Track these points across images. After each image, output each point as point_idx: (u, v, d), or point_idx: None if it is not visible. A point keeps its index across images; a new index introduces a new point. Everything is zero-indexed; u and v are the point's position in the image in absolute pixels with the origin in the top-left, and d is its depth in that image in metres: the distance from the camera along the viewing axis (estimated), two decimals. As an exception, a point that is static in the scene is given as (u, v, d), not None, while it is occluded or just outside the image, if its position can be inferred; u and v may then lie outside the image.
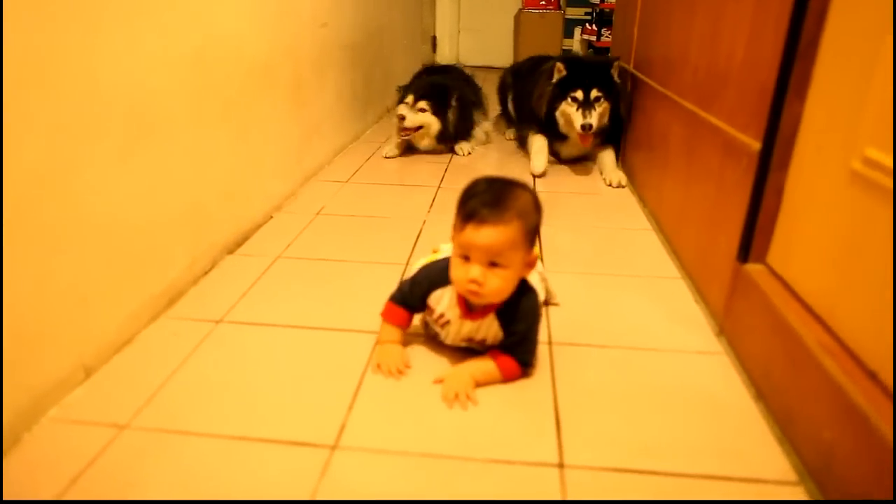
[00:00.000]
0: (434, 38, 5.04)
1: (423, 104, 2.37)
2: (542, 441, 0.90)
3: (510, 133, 2.71)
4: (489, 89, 2.91)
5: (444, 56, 5.15)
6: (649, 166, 1.90)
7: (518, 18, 4.83)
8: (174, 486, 0.81)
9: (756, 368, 1.03)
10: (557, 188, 2.07)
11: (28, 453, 0.87)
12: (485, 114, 2.69)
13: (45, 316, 0.94)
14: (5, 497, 0.79)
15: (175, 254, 1.28)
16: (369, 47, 2.77)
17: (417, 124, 2.37)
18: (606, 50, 3.27)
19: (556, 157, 2.33)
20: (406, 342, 1.13)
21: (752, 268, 1.09)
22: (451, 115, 2.41)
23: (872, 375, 0.78)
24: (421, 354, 1.11)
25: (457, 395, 0.97)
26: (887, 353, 0.75)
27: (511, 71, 2.83)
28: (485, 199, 0.94)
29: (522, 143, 2.46)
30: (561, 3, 4.75)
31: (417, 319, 1.15)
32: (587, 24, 4.44)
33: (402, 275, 1.38)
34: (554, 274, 1.31)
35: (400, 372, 1.05)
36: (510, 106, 2.73)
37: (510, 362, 1.02)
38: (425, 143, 2.43)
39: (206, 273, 1.39)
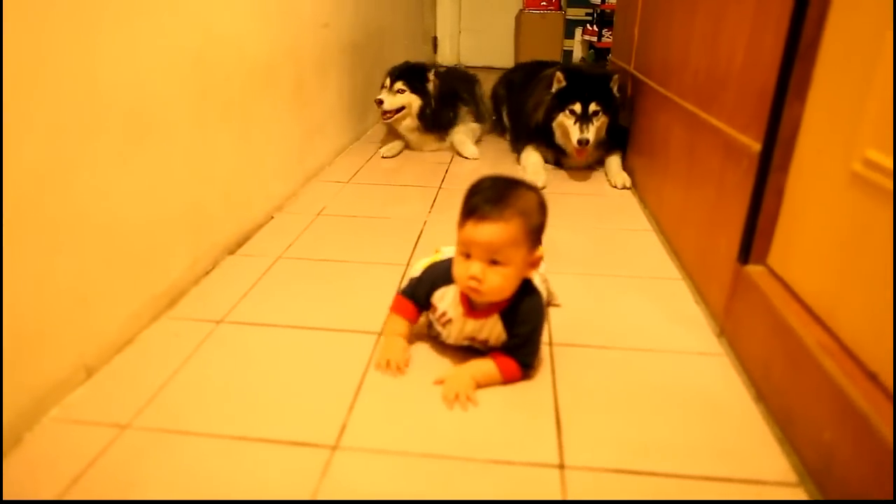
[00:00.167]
0: (435, 38, 5.04)
1: (399, 85, 2.36)
2: (543, 442, 0.90)
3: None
4: (487, 90, 2.91)
5: (445, 56, 5.15)
6: (650, 167, 1.90)
7: (519, 19, 4.84)
8: (175, 486, 0.81)
9: (756, 369, 1.04)
10: (558, 189, 2.07)
11: (29, 453, 0.87)
12: (475, 114, 2.63)
13: (46, 316, 0.94)
14: (6, 497, 0.80)
15: (176, 254, 1.28)
16: (370, 48, 2.78)
17: (398, 106, 2.36)
18: (607, 51, 3.27)
19: (559, 166, 2.29)
20: (409, 341, 1.13)
21: (753, 269, 1.09)
22: (431, 89, 2.40)
23: (873, 376, 0.78)
24: (422, 355, 1.11)
25: (457, 396, 0.98)
26: (887, 355, 0.75)
27: (504, 82, 2.81)
28: (487, 196, 0.95)
29: (514, 148, 2.42)
30: (562, 3, 4.75)
31: (423, 317, 1.15)
32: (588, 25, 4.43)
33: (403, 276, 1.38)
34: (555, 275, 1.31)
35: (399, 370, 1.05)
36: (505, 119, 2.71)
37: (511, 364, 1.02)
38: (408, 122, 2.41)
39: (207, 273, 1.39)
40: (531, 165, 2.20)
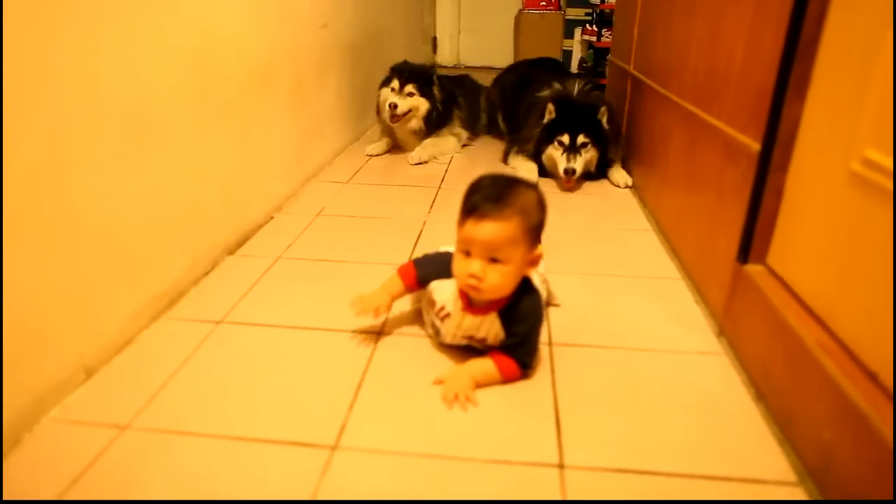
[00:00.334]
0: (434, 38, 5.04)
1: (410, 87, 2.34)
2: (542, 441, 0.90)
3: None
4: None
5: (445, 57, 5.15)
6: (649, 167, 1.90)
7: (518, 19, 4.83)
8: (175, 487, 0.81)
9: (756, 369, 1.04)
10: (557, 189, 2.07)
11: (29, 453, 0.87)
12: (465, 121, 2.60)
13: (46, 316, 0.94)
14: (6, 497, 0.80)
15: (175, 254, 1.28)
16: (369, 48, 2.78)
17: (407, 108, 2.35)
18: (606, 51, 3.26)
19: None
20: (408, 340, 1.14)
21: (752, 268, 1.09)
22: (437, 93, 2.40)
23: (872, 376, 0.78)
24: (421, 355, 1.11)
25: (456, 396, 0.98)
26: (887, 354, 0.75)
27: (496, 87, 2.79)
28: (486, 195, 0.96)
29: (505, 159, 2.36)
30: (561, 3, 4.75)
31: (411, 301, 1.16)
32: (587, 25, 4.43)
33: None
34: (554, 274, 1.31)
35: (377, 312, 1.10)
36: (501, 124, 2.70)
37: (510, 364, 1.02)
38: (412, 124, 2.39)
39: (206, 274, 1.39)
40: (525, 170, 2.17)
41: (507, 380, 1.03)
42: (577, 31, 4.65)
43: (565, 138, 2.05)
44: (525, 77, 2.66)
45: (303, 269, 1.45)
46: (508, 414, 0.97)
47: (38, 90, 0.89)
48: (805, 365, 0.87)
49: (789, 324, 0.92)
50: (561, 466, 0.86)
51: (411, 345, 1.14)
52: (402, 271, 1.15)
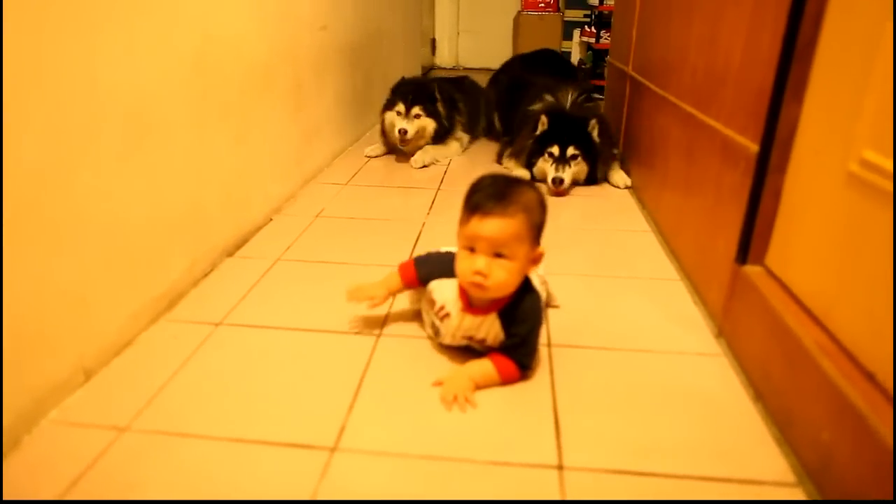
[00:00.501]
0: (433, 40, 5.05)
1: (416, 110, 2.33)
2: (541, 443, 0.90)
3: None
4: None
5: (444, 58, 5.15)
6: (648, 168, 1.91)
7: (517, 20, 4.84)
8: (174, 489, 0.81)
9: (755, 370, 1.04)
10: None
11: (28, 455, 0.87)
12: (466, 126, 2.58)
13: (45, 318, 0.94)
14: (5, 499, 0.80)
15: (175, 256, 1.28)
16: (369, 50, 2.78)
17: (416, 130, 2.34)
18: (605, 52, 3.27)
19: None
20: (407, 342, 1.14)
21: (751, 269, 1.09)
22: (441, 109, 2.39)
23: (870, 377, 0.78)
24: (420, 356, 1.11)
25: (455, 397, 0.98)
26: (885, 355, 0.75)
27: (493, 87, 2.78)
28: (490, 193, 0.97)
29: (499, 160, 2.38)
30: (560, 5, 4.76)
31: (410, 301, 1.16)
32: (586, 27, 4.43)
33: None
34: (553, 276, 1.31)
35: (371, 299, 1.13)
36: (497, 124, 2.70)
37: (509, 365, 1.02)
38: (420, 144, 2.38)
39: (205, 275, 1.39)
40: (518, 173, 2.16)
41: (506, 381, 1.03)
42: (576, 33, 4.65)
43: (555, 150, 2.05)
44: (521, 79, 2.66)
45: (302, 270, 1.45)
46: (507, 415, 0.97)
47: (37, 90, 0.89)
48: (804, 366, 0.87)
49: (788, 324, 0.93)
50: (560, 468, 0.86)
51: (410, 346, 1.14)
52: (402, 268, 1.15)
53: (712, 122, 1.31)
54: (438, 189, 2.06)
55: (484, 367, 1.02)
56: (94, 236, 1.03)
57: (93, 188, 1.02)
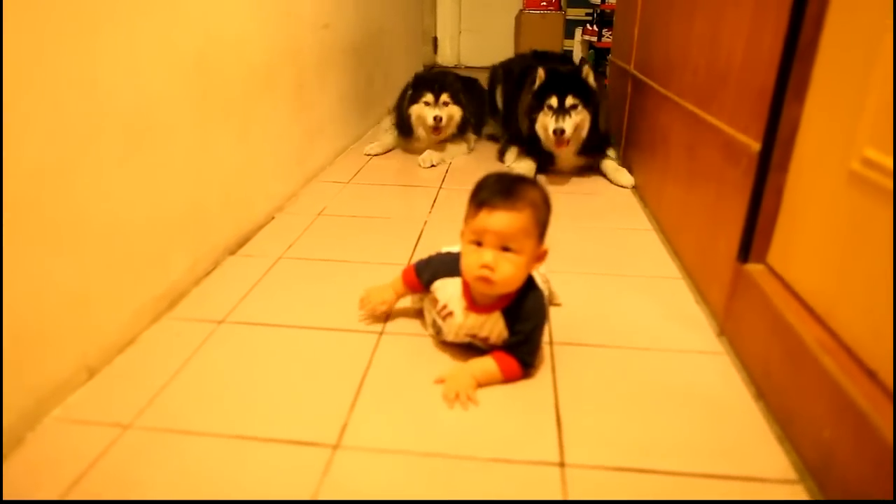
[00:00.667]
0: (435, 39, 5.04)
1: (445, 97, 2.33)
2: (543, 440, 0.91)
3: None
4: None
5: (446, 57, 5.15)
6: (650, 167, 1.90)
7: (519, 19, 4.84)
8: (177, 486, 0.82)
9: (756, 368, 1.04)
10: (558, 189, 2.07)
11: (31, 453, 0.87)
12: (473, 125, 2.57)
13: (48, 317, 0.94)
14: (9, 497, 0.80)
15: (177, 254, 1.28)
16: (371, 48, 2.78)
17: (448, 117, 2.33)
18: (607, 51, 3.26)
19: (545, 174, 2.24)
20: (410, 339, 1.14)
21: (753, 268, 1.09)
22: (464, 99, 2.40)
23: (872, 374, 0.78)
24: (422, 354, 1.11)
25: (457, 395, 0.98)
26: (886, 353, 0.75)
27: (500, 80, 2.76)
28: (497, 189, 0.98)
29: (501, 157, 2.37)
30: (562, 3, 4.76)
31: (412, 300, 1.17)
32: (588, 25, 4.44)
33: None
34: (555, 274, 1.31)
35: (375, 309, 1.18)
36: (496, 126, 2.68)
37: (512, 363, 1.02)
38: (447, 132, 2.38)
39: (207, 274, 1.40)
40: (522, 167, 2.17)
41: (508, 379, 1.03)
42: (578, 32, 4.66)
43: (553, 101, 2.04)
44: (522, 71, 2.64)
45: (304, 268, 1.45)
46: (509, 413, 0.97)
47: (38, 91, 0.89)
48: (805, 364, 0.87)
49: (789, 323, 0.93)
50: (562, 465, 0.86)
51: (413, 344, 1.14)
52: (404, 274, 1.17)
53: (714, 121, 1.31)
54: (440, 188, 2.06)
55: (486, 364, 1.02)
56: (97, 235, 1.04)
57: (94, 187, 1.02)
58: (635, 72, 2.17)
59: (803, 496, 0.82)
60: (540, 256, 1.02)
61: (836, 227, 0.89)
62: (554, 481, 0.83)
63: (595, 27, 4.25)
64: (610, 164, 2.18)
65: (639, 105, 2.10)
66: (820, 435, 0.82)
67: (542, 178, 2.13)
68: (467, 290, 1.04)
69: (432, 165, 2.30)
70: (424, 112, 2.33)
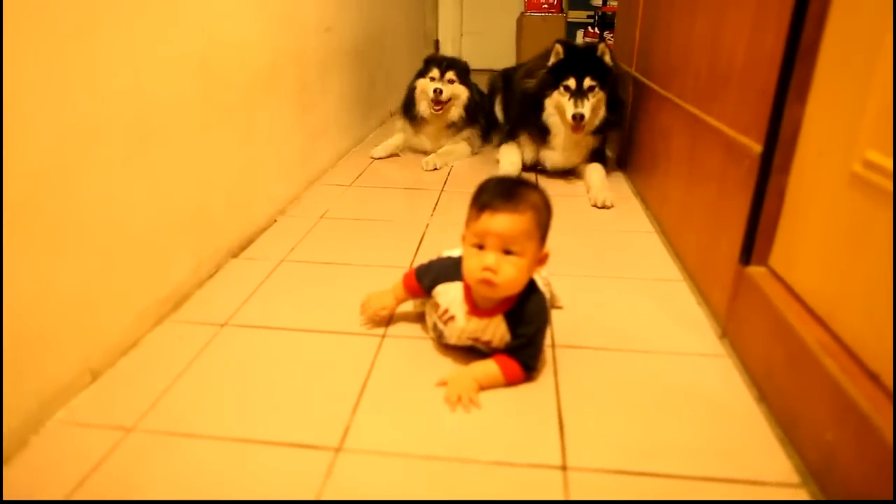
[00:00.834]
0: (437, 41, 5.05)
1: (451, 74, 2.34)
2: (545, 443, 0.91)
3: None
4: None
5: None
6: (651, 169, 1.90)
7: (520, 22, 4.84)
8: (180, 489, 0.82)
9: (758, 370, 1.04)
10: (558, 191, 2.07)
11: (35, 456, 0.88)
12: (482, 127, 2.56)
13: (51, 320, 0.95)
14: (9, 499, 0.80)
15: (180, 257, 1.29)
16: (373, 51, 2.78)
17: (449, 95, 2.34)
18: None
19: (542, 168, 2.22)
20: (412, 342, 1.15)
21: (755, 270, 1.09)
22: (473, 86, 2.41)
23: (874, 377, 0.78)
24: (424, 357, 1.11)
25: (459, 398, 0.98)
26: (888, 355, 0.75)
27: (502, 77, 2.74)
28: (499, 192, 0.98)
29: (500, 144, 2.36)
30: (563, 6, 4.76)
31: (414, 303, 1.18)
32: (589, 28, 4.44)
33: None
34: (557, 277, 1.31)
35: (376, 314, 1.18)
36: (498, 109, 2.64)
37: (514, 366, 1.02)
38: (452, 113, 2.38)
39: (210, 276, 1.40)
40: (507, 162, 2.17)
41: (510, 382, 1.03)
42: (579, 34, 4.65)
43: (571, 83, 1.98)
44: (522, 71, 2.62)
45: (306, 271, 1.45)
46: (511, 416, 0.97)
47: (41, 95, 0.90)
48: (807, 366, 0.87)
49: (791, 325, 0.93)
50: (564, 468, 0.86)
51: (415, 347, 1.14)
52: (405, 278, 1.18)
53: (716, 123, 1.31)
54: (442, 190, 2.06)
55: (488, 367, 1.02)
56: (99, 238, 1.04)
57: (97, 189, 1.03)
58: (637, 74, 2.17)
59: (805, 499, 0.82)
60: (542, 260, 1.02)
61: (837, 229, 0.89)
62: (556, 484, 0.83)
63: (596, 29, 4.25)
64: (596, 176, 2.06)
65: (640, 107, 2.10)
66: (822, 437, 0.82)
67: (540, 179, 2.13)
68: (469, 295, 1.05)
69: (435, 168, 2.31)
70: (427, 86, 2.34)
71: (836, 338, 0.87)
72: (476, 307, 1.04)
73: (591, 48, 2.07)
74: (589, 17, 4.58)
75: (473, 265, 0.98)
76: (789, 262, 1.03)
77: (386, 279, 1.23)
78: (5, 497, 0.80)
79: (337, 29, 2.27)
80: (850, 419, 0.76)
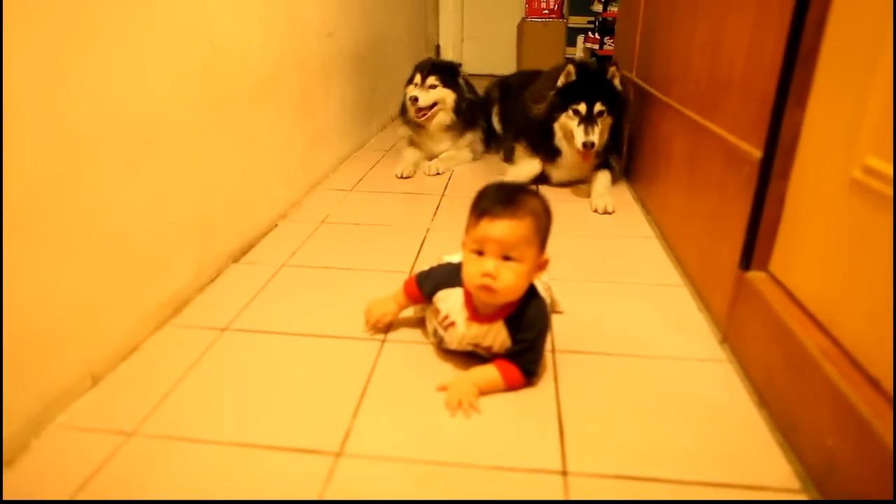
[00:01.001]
0: (438, 46, 5.06)
1: (432, 80, 2.30)
2: (546, 448, 0.91)
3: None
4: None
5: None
6: (652, 174, 1.91)
7: (521, 27, 4.86)
8: (180, 493, 0.82)
9: (759, 375, 1.04)
10: (559, 196, 2.08)
11: (36, 460, 0.88)
12: (484, 130, 2.55)
13: (53, 324, 0.95)
14: (8, 498, 0.80)
15: (181, 262, 1.29)
16: (374, 56, 2.79)
17: (431, 101, 2.30)
18: (609, 59, 3.27)
19: (546, 181, 2.18)
20: (412, 347, 1.15)
21: (755, 275, 1.09)
22: (463, 84, 2.36)
23: (874, 382, 0.78)
24: (425, 362, 1.12)
25: (460, 403, 0.98)
26: (889, 360, 0.75)
27: (499, 85, 2.71)
28: (498, 198, 0.98)
29: (509, 156, 2.33)
30: (564, 11, 4.78)
31: (415, 308, 1.18)
32: (590, 33, 4.45)
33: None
34: (557, 282, 1.31)
35: (379, 322, 1.18)
36: (495, 121, 2.61)
37: (514, 371, 1.02)
38: (441, 118, 2.34)
39: (211, 281, 1.40)
40: (518, 172, 2.16)
41: (510, 387, 1.03)
42: (580, 39, 4.67)
43: (582, 108, 1.95)
44: (531, 78, 2.60)
45: (307, 276, 1.46)
46: (512, 421, 0.97)
47: (43, 100, 0.90)
48: (808, 371, 0.87)
49: (791, 330, 0.93)
50: (564, 473, 0.86)
51: (415, 352, 1.15)
52: (406, 285, 1.18)
53: (716, 129, 1.31)
54: (443, 196, 2.06)
55: (488, 372, 1.03)
56: (101, 242, 1.04)
57: (99, 194, 1.03)
58: (637, 80, 2.17)
59: (806, 504, 0.82)
60: (541, 265, 1.02)
61: (837, 235, 0.89)
62: (556, 489, 0.83)
63: (597, 35, 4.26)
64: (601, 183, 2.06)
65: (641, 113, 2.10)
66: (823, 443, 0.82)
67: (543, 187, 2.13)
68: (469, 301, 1.05)
69: (437, 173, 2.31)
70: (410, 90, 2.32)
71: (836, 343, 0.87)
72: (476, 313, 1.04)
73: (601, 71, 2.04)
74: (589, 22, 4.60)
75: (473, 271, 0.99)
76: (789, 268, 1.03)
77: (386, 284, 1.23)
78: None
79: (338, 34, 2.28)
80: (851, 425, 0.76)
